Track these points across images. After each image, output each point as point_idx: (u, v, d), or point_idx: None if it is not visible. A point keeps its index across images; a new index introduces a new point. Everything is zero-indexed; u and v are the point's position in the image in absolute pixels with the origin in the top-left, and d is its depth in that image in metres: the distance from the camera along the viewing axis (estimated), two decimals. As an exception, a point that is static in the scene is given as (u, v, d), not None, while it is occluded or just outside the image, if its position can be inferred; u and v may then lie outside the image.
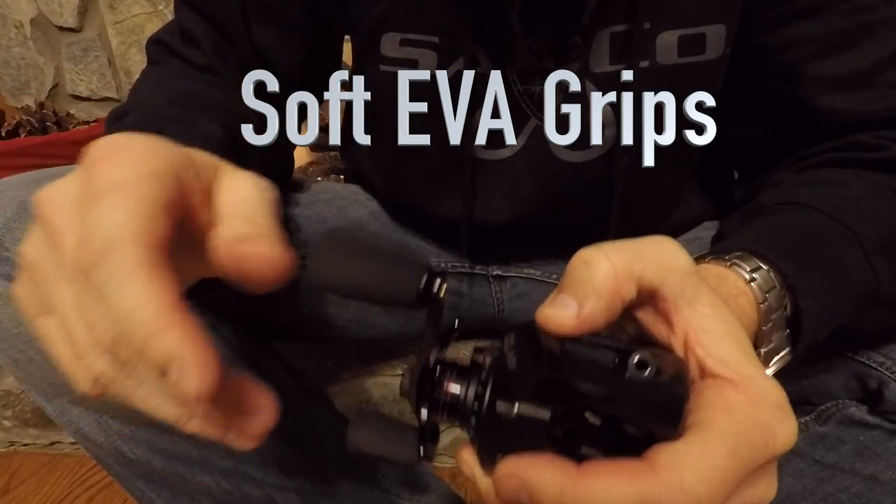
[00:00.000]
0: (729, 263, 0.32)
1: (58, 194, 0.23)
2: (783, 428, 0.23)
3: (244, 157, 0.44)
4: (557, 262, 0.59)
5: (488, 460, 0.24)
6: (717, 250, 0.34)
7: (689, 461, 0.21)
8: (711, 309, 0.24)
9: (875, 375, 0.43)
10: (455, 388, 0.25)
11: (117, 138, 0.23)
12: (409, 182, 0.56)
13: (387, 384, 0.84)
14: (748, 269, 0.32)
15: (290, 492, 0.54)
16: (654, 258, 0.24)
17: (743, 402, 0.23)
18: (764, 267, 0.32)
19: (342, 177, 1.07)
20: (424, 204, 0.56)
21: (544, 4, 0.44)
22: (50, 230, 0.23)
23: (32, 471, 0.99)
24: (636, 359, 0.22)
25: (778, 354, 0.33)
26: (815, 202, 0.39)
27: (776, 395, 0.23)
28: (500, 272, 0.60)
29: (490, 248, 0.59)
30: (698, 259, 0.34)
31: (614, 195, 0.52)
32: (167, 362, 0.20)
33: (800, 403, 0.47)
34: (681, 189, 0.55)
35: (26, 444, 1.03)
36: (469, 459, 0.25)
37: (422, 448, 0.25)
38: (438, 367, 0.25)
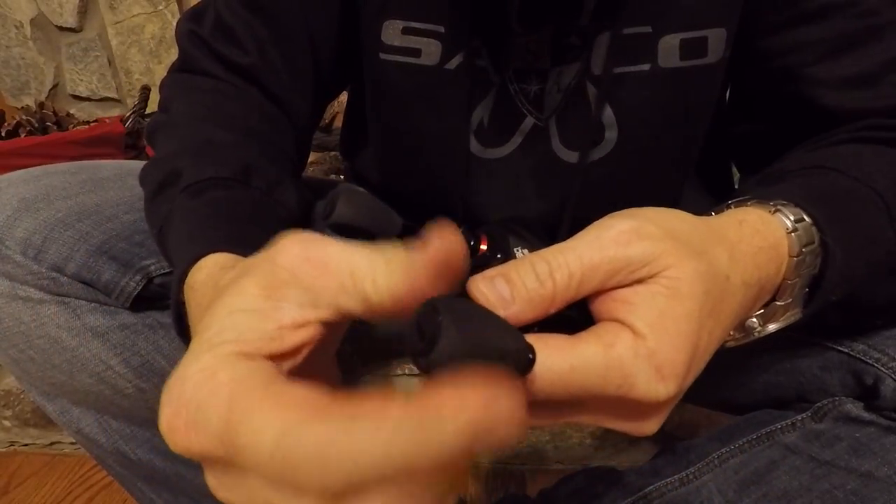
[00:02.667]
0: (774, 209, 0.32)
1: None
2: (647, 385, 0.24)
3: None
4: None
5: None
6: (759, 195, 0.34)
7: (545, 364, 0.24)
8: (666, 281, 0.26)
9: (871, 372, 0.43)
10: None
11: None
12: (408, 177, 0.56)
13: (387, 385, 0.85)
14: (793, 219, 0.32)
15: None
16: (605, 266, 0.26)
17: (627, 348, 0.24)
18: (807, 219, 0.32)
19: (342, 177, 1.08)
20: (424, 202, 0.56)
21: (542, 3, 0.44)
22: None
23: (32, 471, 0.99)
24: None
25: (792, 310, 0.33)
26: (841, 166, 0.38)
27: (662, 359, 0.24)
28: (498, 271, 0.60)
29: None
30: (739, 201, 0.34)
31: (615, 196, 0.52)
32: None
33: (796, 400, 0.48)
34: (682, 188, 0.55)
35: (26, 444, 1.04)
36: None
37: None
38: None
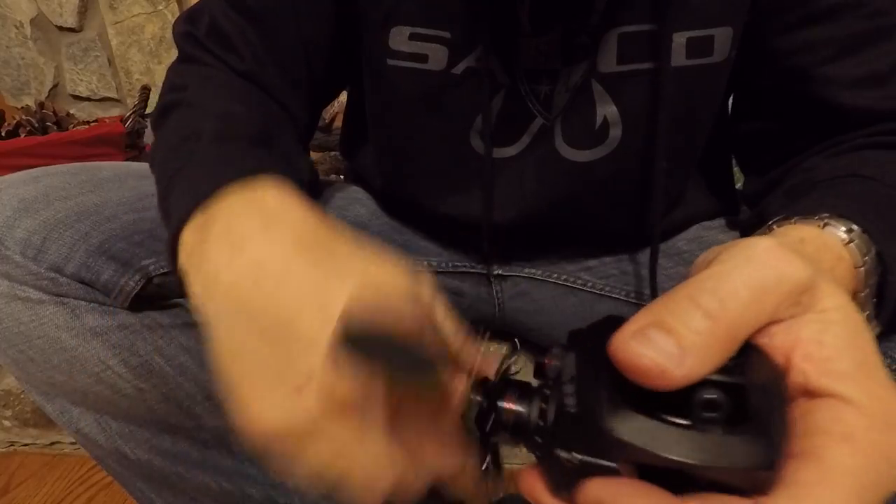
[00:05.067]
0: (822, 224, 0.31)
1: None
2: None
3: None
4: (559, 262, 0.59)
5: (558, 484, 0.22)
6: (799, 212, 0.32)
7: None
8: (835, 313, 0.20)
9: None
10: (517, 407, 0.24)
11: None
12: (411, 180, 0.56)
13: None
14: (844, 230, 0.30)
15: (290, 492, 0.54)
16: (768, 294, 0.20)
17: (866, 429, 0.19)
18: (856, 228, 0.31)
19: (342, 177, 1.08)
20: (427, 202, 0.56)
21: (554, 3, 0.44)
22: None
23: (32, 471, 0.99)
24: (703, 398, 0.19)
25: (872, 323, 0.32)
26: (875, 174, 0.37)
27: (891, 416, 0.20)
28: (501, 271, 0.60)
29: (492, 246, 0.59)
30: (781, 220, 0.32)
31: (620, 195, 0.52)
32: None
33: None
34: (684, 187, 0.55)
35: (26, 444, 1.04)
36: (533, 482, 0.23)
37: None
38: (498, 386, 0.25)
